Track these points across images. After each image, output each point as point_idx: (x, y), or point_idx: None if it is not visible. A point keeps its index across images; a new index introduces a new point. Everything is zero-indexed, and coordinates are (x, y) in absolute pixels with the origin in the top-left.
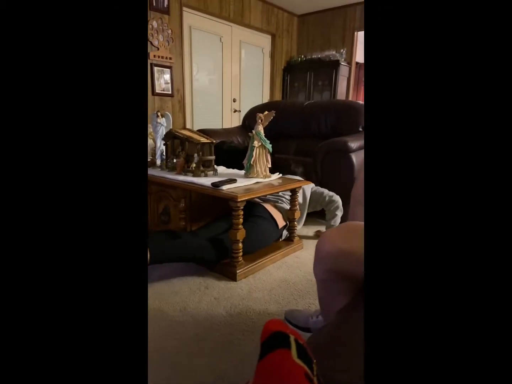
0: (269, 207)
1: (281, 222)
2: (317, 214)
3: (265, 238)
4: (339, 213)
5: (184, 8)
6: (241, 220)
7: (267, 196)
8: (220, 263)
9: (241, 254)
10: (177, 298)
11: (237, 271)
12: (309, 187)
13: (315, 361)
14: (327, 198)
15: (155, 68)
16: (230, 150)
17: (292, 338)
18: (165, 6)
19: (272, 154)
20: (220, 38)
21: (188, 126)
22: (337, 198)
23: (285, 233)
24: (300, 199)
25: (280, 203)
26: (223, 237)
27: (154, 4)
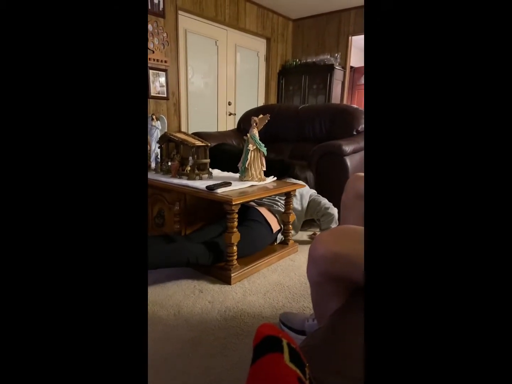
0: (263, 210)
1: (275, 226)
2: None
3: (259, 243)
4: (334, 225)
5: (180, 12)
6: (235, 223)
7: (262, 199)
8: (215, 267)
9: (235, 257)
10: (172, 302)
11: (232, 275)
12: (307, 194)
13: (307, 364)
14: (323, 209)
15: (150, 71)
16: (229, 151)
17: (284, 342)
18: (161, 9)
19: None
20: (216, 42)
21: (183, 129)
22: (334, 211)
23: (280, 236)
24: (298, 206)
25: (276, 207)
26: (217, 240)
27: (149, 8)
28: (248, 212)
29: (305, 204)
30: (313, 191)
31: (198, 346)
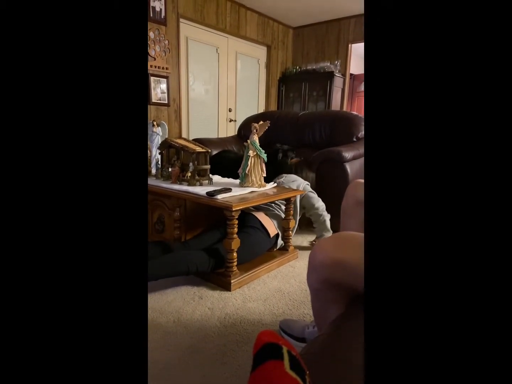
0: (260, 216)
1: (272, 231)
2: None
3: (258, 249)
4: (326, 234)
5: (181, 20)
6: (235, 230)
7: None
8: (215, 273)
9: (235, 263)
10: (171, 308)
11: (232, 281)
12: (299, 188)
13: (308, 372)
14: (316, 214)
15: (152, 78)
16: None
17: (284, 349)
18: (162, 17)
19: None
20: (217, 49)
21: (184, 135)
22: (326, 218)
23: (280, 242)
24: None
25: (272, 210)
26: (217, 246)
27: (151, 15)
28: (246, 219)
29: (298, 200)
30: (306, 183)
31: (198, 353)
